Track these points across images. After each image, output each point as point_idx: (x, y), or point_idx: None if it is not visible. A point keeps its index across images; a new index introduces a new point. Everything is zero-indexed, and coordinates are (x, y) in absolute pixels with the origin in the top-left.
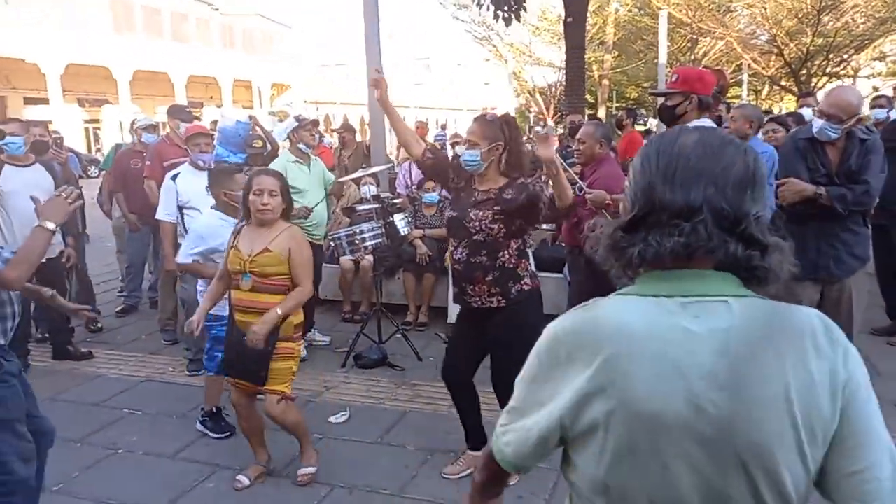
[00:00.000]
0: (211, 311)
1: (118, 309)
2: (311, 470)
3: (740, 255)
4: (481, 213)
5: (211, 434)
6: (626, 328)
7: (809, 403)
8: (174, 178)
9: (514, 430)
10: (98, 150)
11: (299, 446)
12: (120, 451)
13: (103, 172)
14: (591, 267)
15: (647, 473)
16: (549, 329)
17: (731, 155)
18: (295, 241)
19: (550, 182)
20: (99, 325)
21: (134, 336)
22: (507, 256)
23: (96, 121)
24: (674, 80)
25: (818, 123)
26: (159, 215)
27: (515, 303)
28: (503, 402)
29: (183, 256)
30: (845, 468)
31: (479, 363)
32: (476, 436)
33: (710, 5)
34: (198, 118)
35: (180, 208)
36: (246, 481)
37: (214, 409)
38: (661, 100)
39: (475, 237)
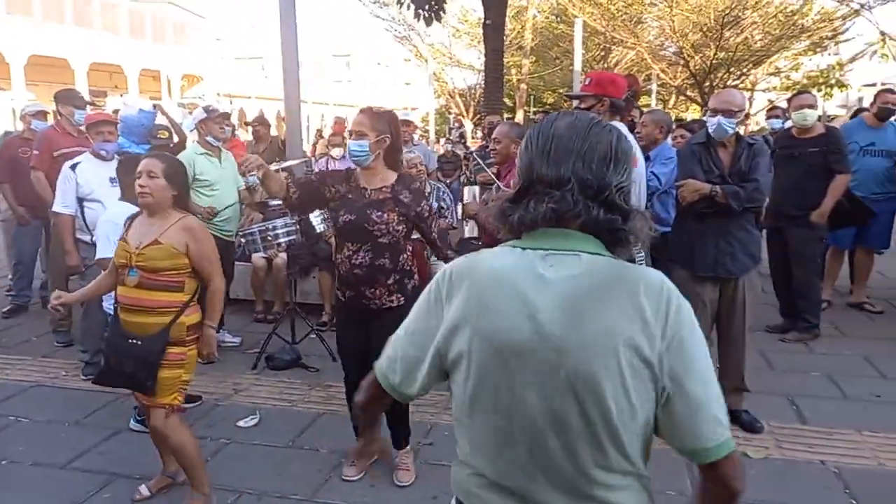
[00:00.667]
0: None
1: (5, 309)
2: None
3: (601, 219)
4: (385, 214)
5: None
6: (491, 270)
7: (631, 342)
8: (74, 167)
9: (401, 359)
10: None
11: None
12: (3, 463)
13: None
14: None
15: (500, 396)
16: (442, 269)
17: (596, 134)
18: (191, 232)
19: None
20: None
21: (23, 338)
22: (405, 258)
23: None
24: (587, 83)
25: (714, 121)
26: (56, 208)
27: (412, 299)
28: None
29: (107, 251)
30: (672, 404)
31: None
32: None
33: (622, 16)
34: (100, 108)
35: (80, 200)
36: (146, 492)
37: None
38: (575, 102)
39: (380, 240)
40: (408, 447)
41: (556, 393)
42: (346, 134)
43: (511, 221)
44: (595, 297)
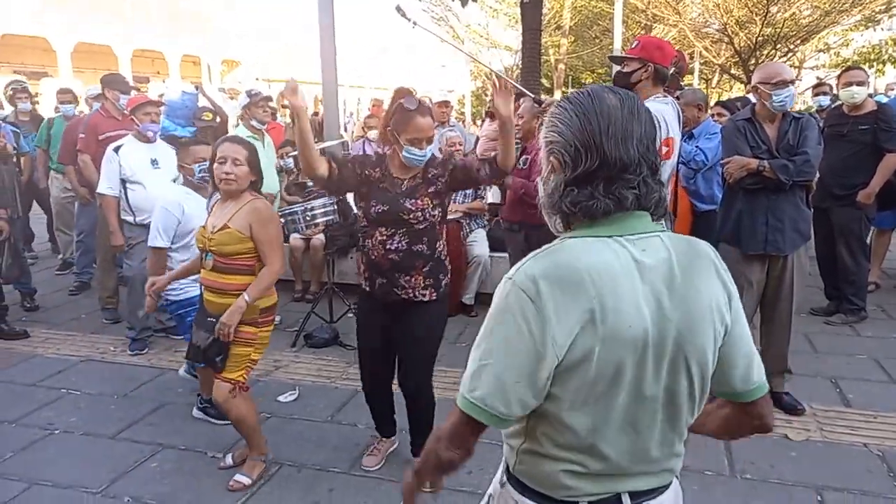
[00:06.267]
0: (186, 297)
1: (73, 287)
2: (246, 480)
3: (662, 198)
4: (418, 200)
5: (213, 421)
6: (602, 267)
7: (720, 310)
8: (117, 150)
9: (491, 385)
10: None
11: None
12: (57, 432)
13: (38, 150)
14: (528, 242)
15: (623, 388)
16: (519, 279)
17: (646, 113)
18: (258, 215)
19: (500, 141)
20: (35, 303)
21: (73, 315)
22: (441, 247)
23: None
24: (633, 46)
25: (784, 94)
26: (100, 189)
27: (444, 296)
28: (415, 401)
29: (156, 240)
30: (734, 358)
31: (395, 363)
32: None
33: None
34: (143, 93)
35: (123, 182)
36: (230, 461)
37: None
38: (617, 66)
39: (416, 226)
40: None
41: (675, 373)
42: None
43: (588, 208)
44: (691, 276)
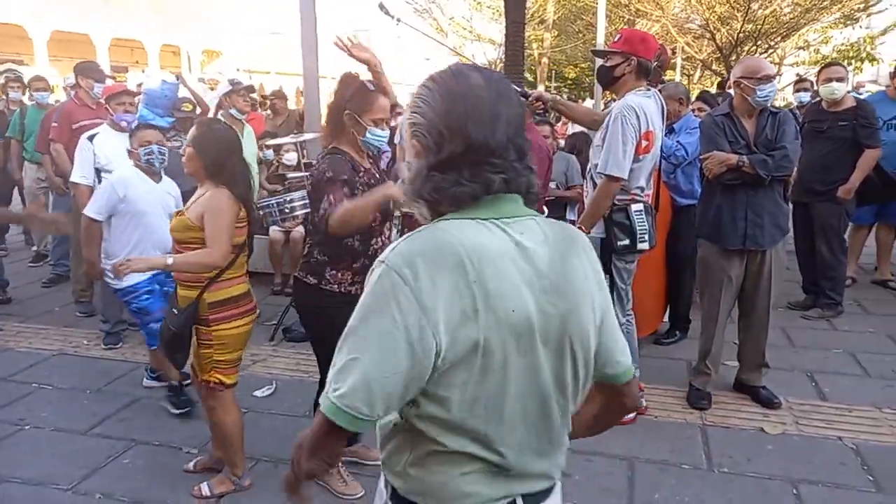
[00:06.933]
0: (125, 284)
1: (46, 280)
2: (206, 491)
3: (532, 183)
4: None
5: (171, 409)
6: (481, 247)
7: (596, 293)
8: (91, 138)
9: (376, 381)
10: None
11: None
12: (28, 428)
13: (12, 140)
14: None
15: (514, 378)
16: (393, 261)
17: (514, 95)
18: (211, 203)
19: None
20: (7, 296)
21: (46, 308)
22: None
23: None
24: (616, 39)
25: (768, 89)
26: (74, 178)
27: None
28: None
29: (93, 211)
30: (607, 343)
31: None
32: None
33: None
34: (121, 83)
35: (98, 171)
36: (191, 467)
37: (175, 383)
38: (599, 60)
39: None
40: None
41: (561, 357)
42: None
43: (454, 195)
44: (569, 259)
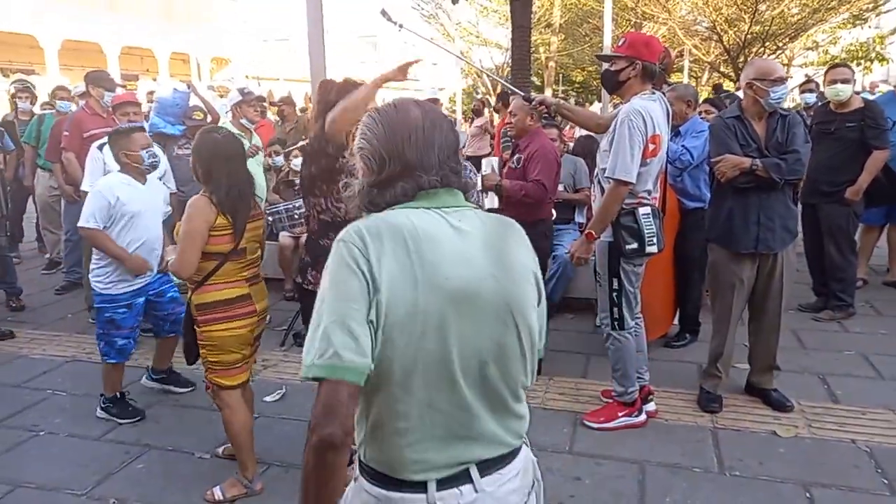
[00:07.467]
0: (108, 291)
1: (59, 287)
2: (218, 495)
3: (467, 185)
4: None
5: (118, 420)
6: (421, 227)
7: (534, 276)
8: (101, 147)
9: (358, 336)
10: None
11: None
12: (42, 434)
13: (27, 146)
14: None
15: (452, 343)
16: (346, 236)
17: (447, 125)
18: (187, 210)
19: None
20: (21, 303)
21: (59, 315)
22: None
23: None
24: (620, 44)
25: (781, 91)
26: (84, 187)
27: None
28: None
29: (89, 221)
30: (540, 326)
31: None
32: None
33: None
34: (131, 91)
35: None
36: (218, 451)
37: (118, 395)
38: (605, 64)
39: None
40: None
41: (500, 323)
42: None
43: (389, 197)
44: (505, 240)
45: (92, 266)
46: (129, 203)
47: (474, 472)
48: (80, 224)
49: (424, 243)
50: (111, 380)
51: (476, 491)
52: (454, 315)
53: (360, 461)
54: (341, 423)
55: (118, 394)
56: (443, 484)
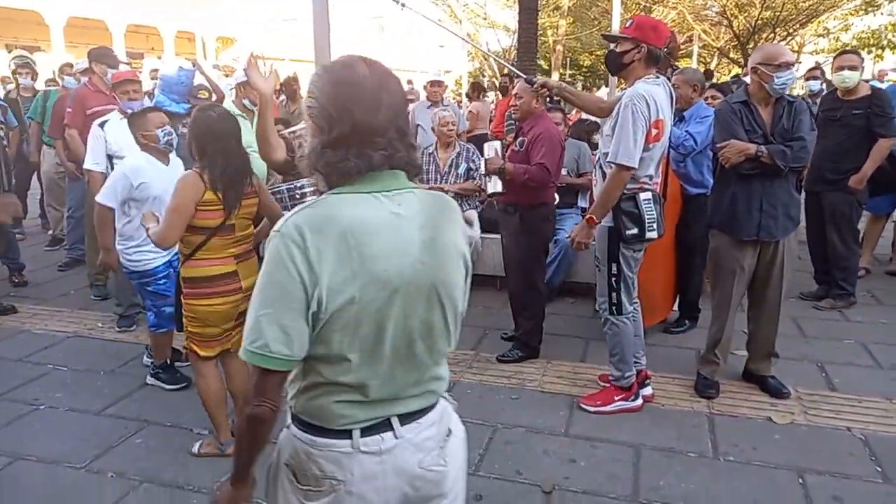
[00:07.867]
0: (143, 267)
1: (62, 263)
2: (196, 449)
3: (412, 159)
4: None
5: (165, 386)
6: (358, 220)
7: (464, 255)
8: (102, 125)
9: (291, 327)
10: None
11: None
12: (42, 408)
13: (33, 122)
14: (523, 223)
15: (386, 326)
16: (286, 230)
17: (395, 83)
18: (178, 183)
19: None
20: (24, 278)
21: (62, 291)
22: None
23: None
24: (628, 25)
25: (786, 76)
26: (87, 165)
27: None
28: None
29: (106, 198)
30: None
31: None
32: None
33: None
34: (136, 69)
35: (109, 157)
36: (195, 450)
37: (168, 362)
38: (611, 45)
39: None
40: None
41: (429, 305)
42: None
43: (345, 170)
44: (440, 223)
45: (120, 248)
46: (153, 185)
47: (395, 422)
48: (97, 198)
49: (363, 237)
50: (162, 348)
51: (396, 437)
52: (389, 303)
53: (291, 412)
54: (270, 403)
55: (167, 360)
56: (366, 432)
